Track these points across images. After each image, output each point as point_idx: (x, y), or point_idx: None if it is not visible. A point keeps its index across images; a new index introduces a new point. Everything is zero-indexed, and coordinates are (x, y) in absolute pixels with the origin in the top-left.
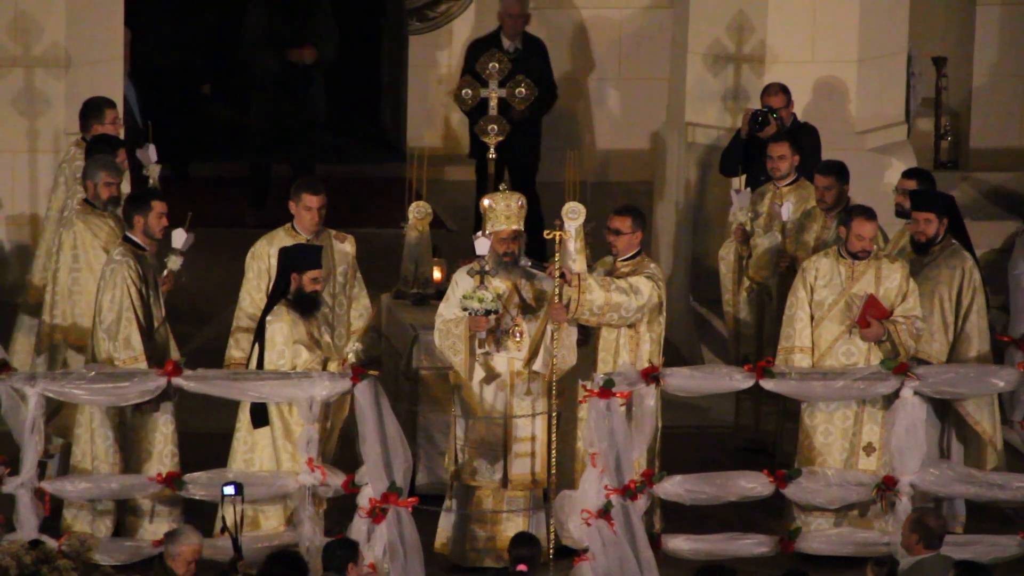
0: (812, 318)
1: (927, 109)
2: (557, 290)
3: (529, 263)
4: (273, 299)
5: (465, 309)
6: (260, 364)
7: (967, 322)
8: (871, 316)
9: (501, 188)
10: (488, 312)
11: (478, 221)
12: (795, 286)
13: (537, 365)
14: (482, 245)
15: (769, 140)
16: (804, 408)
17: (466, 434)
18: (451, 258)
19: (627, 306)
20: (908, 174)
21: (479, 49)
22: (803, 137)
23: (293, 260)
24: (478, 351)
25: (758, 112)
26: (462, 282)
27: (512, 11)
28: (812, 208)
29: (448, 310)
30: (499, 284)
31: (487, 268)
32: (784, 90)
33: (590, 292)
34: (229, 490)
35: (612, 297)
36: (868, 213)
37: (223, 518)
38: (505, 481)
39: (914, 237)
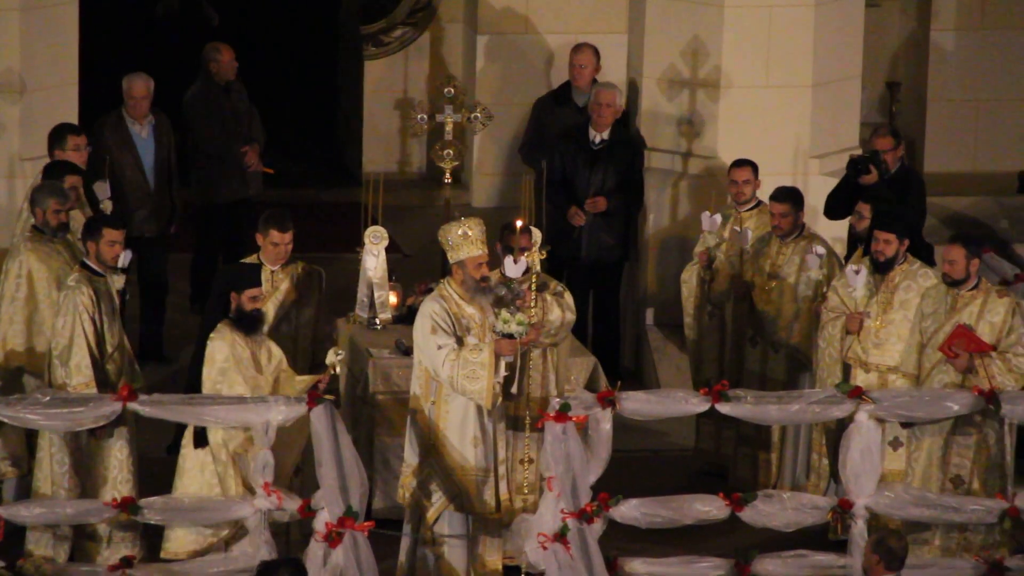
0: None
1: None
2: (536, 314)
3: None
4: (213, 319)
5: (509, 335)
6: (198, 379)
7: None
8: (957, 348)
9: (455, 214)
10: (521, 335)
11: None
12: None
13: (514, 388)
14: (513, 267)
15: (733, 165)
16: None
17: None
18: (407, 283)
19: (568, 323)
20: (865, 197)
21: (565, 141)
22: (909, 182)
23: (231, 280)
24: (499, 377)
25: (858, 159)
26: (435, 311)
27: (603, 100)
28: (767, 234)
29: (444, 339)
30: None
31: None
32: (894, 134)
33: (551, 312)
34: None
35: (566, 316)
36: (956, 238)
37: None
38: (498, 506)
39: (874, 256)
